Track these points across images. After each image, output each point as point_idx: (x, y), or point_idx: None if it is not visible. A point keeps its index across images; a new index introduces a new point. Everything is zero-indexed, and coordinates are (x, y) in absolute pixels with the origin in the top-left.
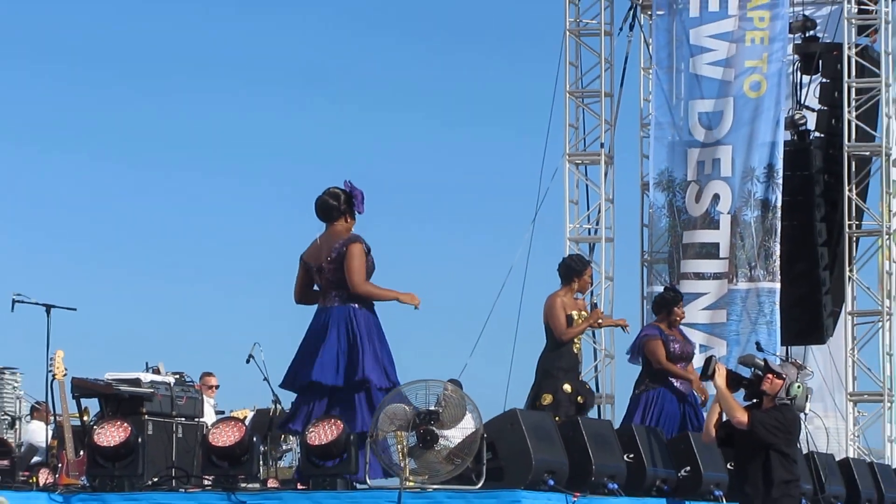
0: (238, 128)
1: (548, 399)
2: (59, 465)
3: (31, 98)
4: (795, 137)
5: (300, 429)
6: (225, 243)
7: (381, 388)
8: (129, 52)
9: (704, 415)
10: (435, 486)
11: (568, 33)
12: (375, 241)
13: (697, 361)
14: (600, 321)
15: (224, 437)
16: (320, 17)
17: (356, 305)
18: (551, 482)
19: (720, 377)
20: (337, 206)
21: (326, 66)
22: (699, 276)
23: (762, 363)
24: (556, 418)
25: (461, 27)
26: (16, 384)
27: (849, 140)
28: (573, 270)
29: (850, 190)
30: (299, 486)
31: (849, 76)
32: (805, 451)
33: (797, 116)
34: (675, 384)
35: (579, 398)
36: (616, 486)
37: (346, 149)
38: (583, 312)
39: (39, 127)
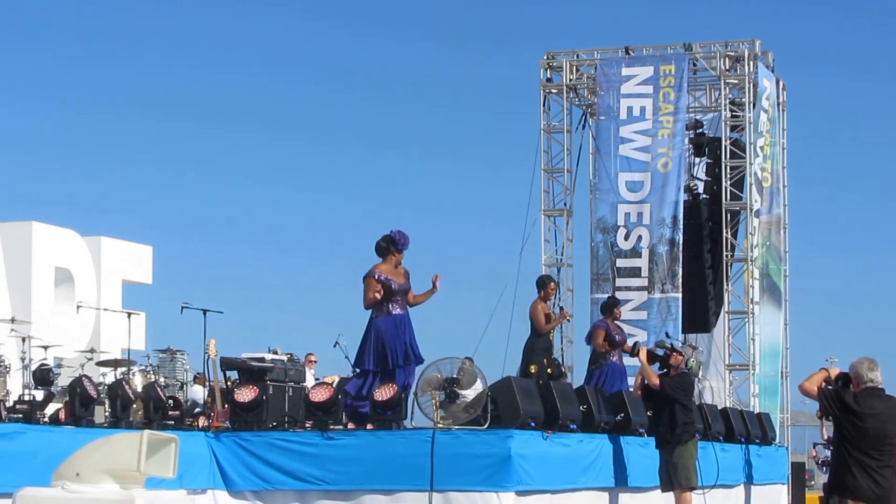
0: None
1: (533, 369)
2: (212, 414)
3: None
4: (690, 198)
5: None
6: (330, 261)
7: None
8: None
9: (629, 380)
10: (456, 427)
11: (542, 131)
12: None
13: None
14: (568, 318)
15: (319, 395)
16: None
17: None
18: (532, 424)
19: (643, 355)
20: (385, 247)
21: None
22: (628, 289)
23: (670, 346)
24: (540, 381)
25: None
26: (184, 361)
27: (725, 199)
28: (543, 284)
29: (726, 232)
30: (369, 427)
31: (725, 158)
32: (698, 403)
33: (692, 184)
34: (613, 359)
35: (550, 370)
36: (575, 427)
37: None
38: (551, 313)
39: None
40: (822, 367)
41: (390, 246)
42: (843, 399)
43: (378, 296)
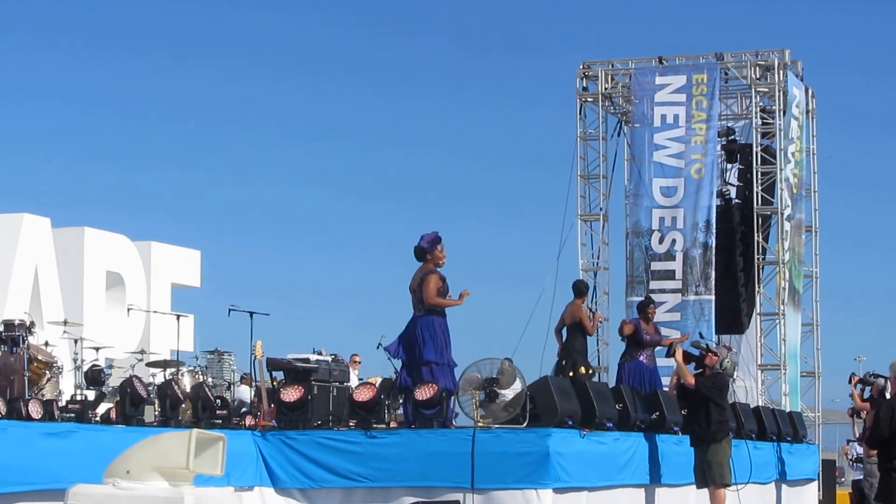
0: None
1: (583, 370)
2: (259, 413)
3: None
4: (723, 203)
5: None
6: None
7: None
8: None
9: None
10: (496, 426)
11: (579, 139)
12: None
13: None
14: (601, 321)
15: (363, 395)
16: None
17: (431, 315)
18: (570, 423)
19: (678, 355)
20: (421, 251)
21: None
22: (662, 291)
23: (705, 346)
24: (571, 373)
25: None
26: (231, 362)
27: (756, 204)
28: (583, 290)
29: (758, 236)
30: (410, 426)
31: (756, 164)
32: (731, 401)
33: (724, 189)
34: (640, 358)
35: (590, 371)
36: (611, 425)
37: None
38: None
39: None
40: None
41: (425, 251)
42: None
43: (450, 300)
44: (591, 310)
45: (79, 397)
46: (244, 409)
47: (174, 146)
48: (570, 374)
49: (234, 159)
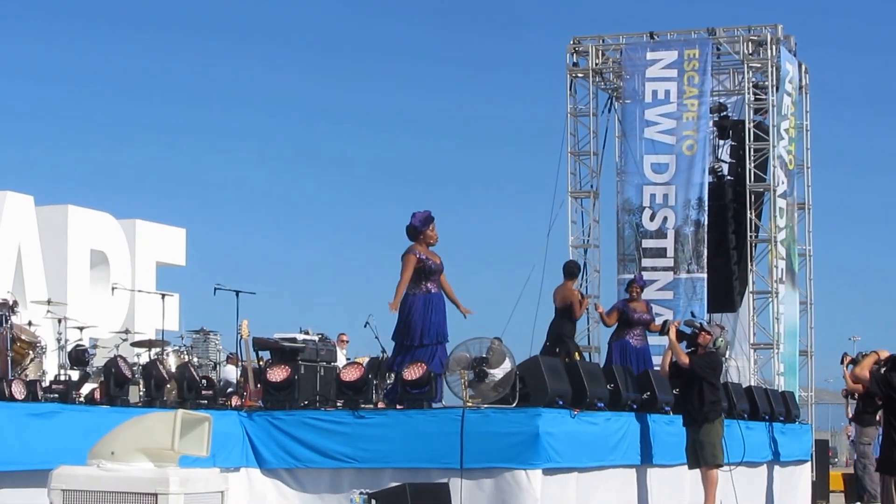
0: None
1: (578, 356)
2: (245, 393)
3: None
4: (715, 180)
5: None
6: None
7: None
8: None
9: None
10: (486, 406)
11: (569, 115)
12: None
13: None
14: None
15: (350, 374)
16: None
17: (416, 292)
18: (560, 402)
19: (672, 333)
20: (413, 230)
21: None
22: (654, 269)
23: (698, 325)
24: (567, 360)
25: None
26: (217, 341)
27: (749, 181)
28: (576, 271)
29: (750, 213)
30: (398, 406)
31: (749, 140)
32: (724, 381)
33: (716, 166)
34: (627, 337)
35: (578, 354)
36: (602, 405)
37: None
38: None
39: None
40: (872, 351)
41: (417, 229)
42: (891, 382)
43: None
44: (581, 294)
45: (63, 377)
46: (230, 390)
47: (160, 123)
48: (566, 360)
49: (221, 137)
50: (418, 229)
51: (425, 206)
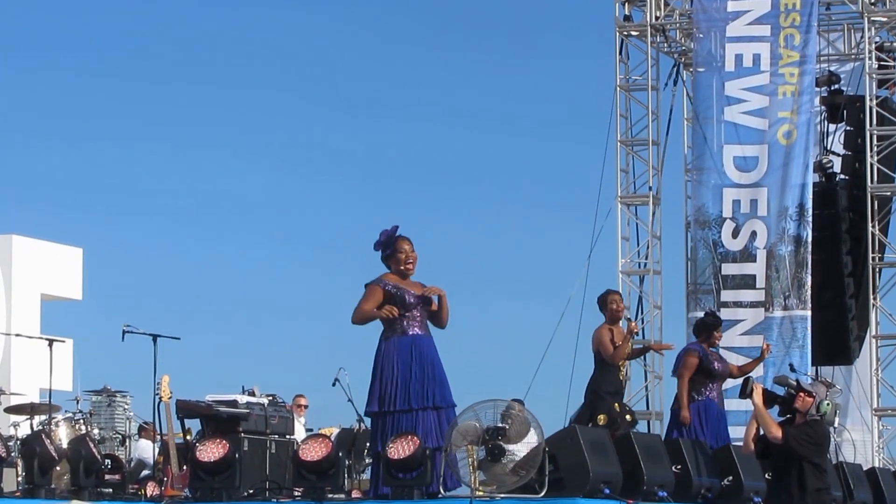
0: None
1: (602, 420)
2: (165, 478)
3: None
4: (823, 179)
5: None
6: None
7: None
8: None
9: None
10: (502, 496)
11: (618, 89)
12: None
13: (736, 382)
14: (636, 332)
15: (313, 452)
16: None
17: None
18: (607, 491)
19: (757, 395)
20: (385, 252)
21: None
22: (738, 305)
23: (795, 383)
24: (612, 434)
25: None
26: (126, 406)
27: (871, 181)
28: (605, 301)
29: (872, 226)
30: (380, 496)
31: (870, 124)
32: (835, 461)
33: (824, 161)
34: (710, 394)
35: (628, 416)
36: (665, 494)
37: None
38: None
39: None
40: None
41: (382, 252)
42: None
43: (377, 312)
44: (627, 319)
45: None
46: (145, 473)
47: (45, 108)
48: (589, 425)
49: (129, 125)
50: (383, 252)
51: (418, 217)
